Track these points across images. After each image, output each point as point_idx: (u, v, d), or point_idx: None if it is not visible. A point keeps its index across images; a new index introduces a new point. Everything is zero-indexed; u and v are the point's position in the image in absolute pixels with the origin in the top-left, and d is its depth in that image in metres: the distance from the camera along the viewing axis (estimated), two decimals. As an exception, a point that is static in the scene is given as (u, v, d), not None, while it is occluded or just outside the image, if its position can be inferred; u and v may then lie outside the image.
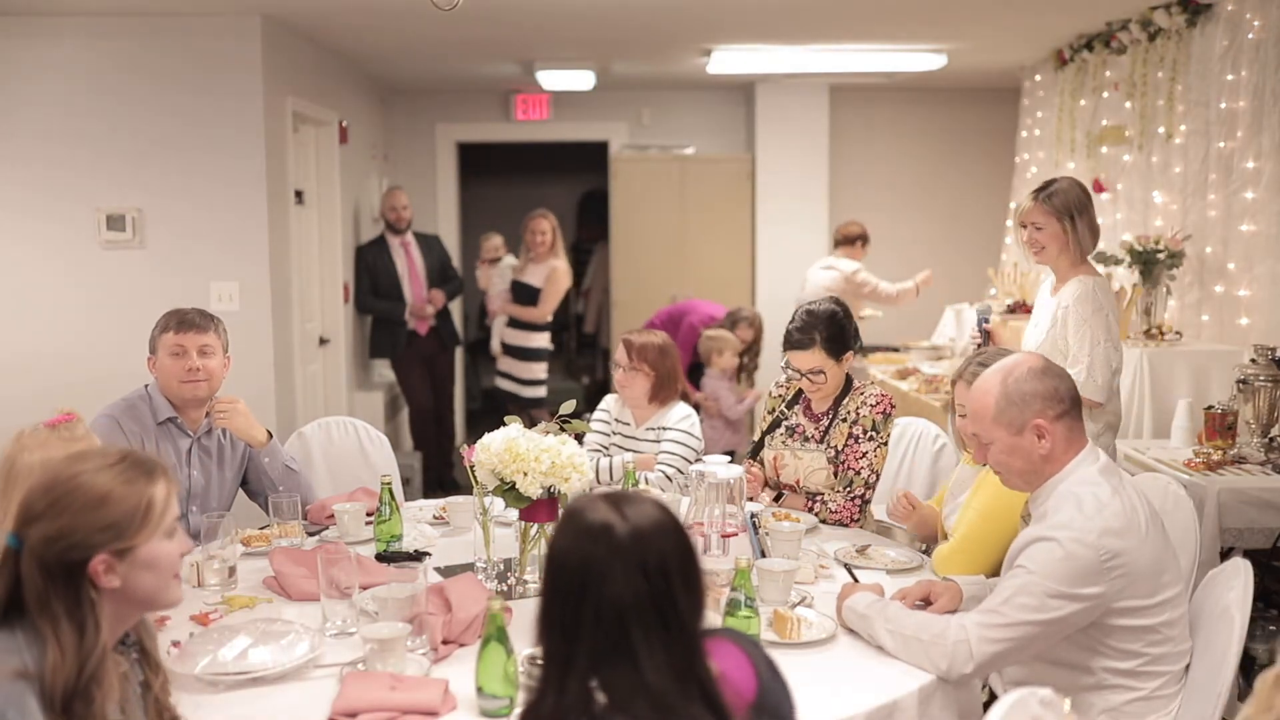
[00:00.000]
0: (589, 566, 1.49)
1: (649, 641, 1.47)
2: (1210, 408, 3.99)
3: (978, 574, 2.68)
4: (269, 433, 3.33)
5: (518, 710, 2.00)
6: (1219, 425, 3.93)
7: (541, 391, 7.08)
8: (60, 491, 1.65)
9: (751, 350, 6.36)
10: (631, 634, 1.47)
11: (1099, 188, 5.72)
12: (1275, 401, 3.91)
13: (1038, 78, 6.78)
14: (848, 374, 3.38)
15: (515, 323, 7.03)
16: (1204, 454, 3.88)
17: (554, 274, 6.86)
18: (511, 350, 7.04)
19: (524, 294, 6.94)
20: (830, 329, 3.26)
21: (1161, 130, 5.12)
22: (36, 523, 1.64)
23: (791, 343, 3.30)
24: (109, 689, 1.63)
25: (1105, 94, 5.71)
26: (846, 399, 3.34)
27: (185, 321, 3.20)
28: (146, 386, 3.24)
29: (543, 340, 7.04)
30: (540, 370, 7.06)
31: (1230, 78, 4.62)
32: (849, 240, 6.83)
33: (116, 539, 1.66)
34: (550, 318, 6.98)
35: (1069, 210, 3.59)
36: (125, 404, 3.20)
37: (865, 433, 3.28)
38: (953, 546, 2.80)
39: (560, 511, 2.71)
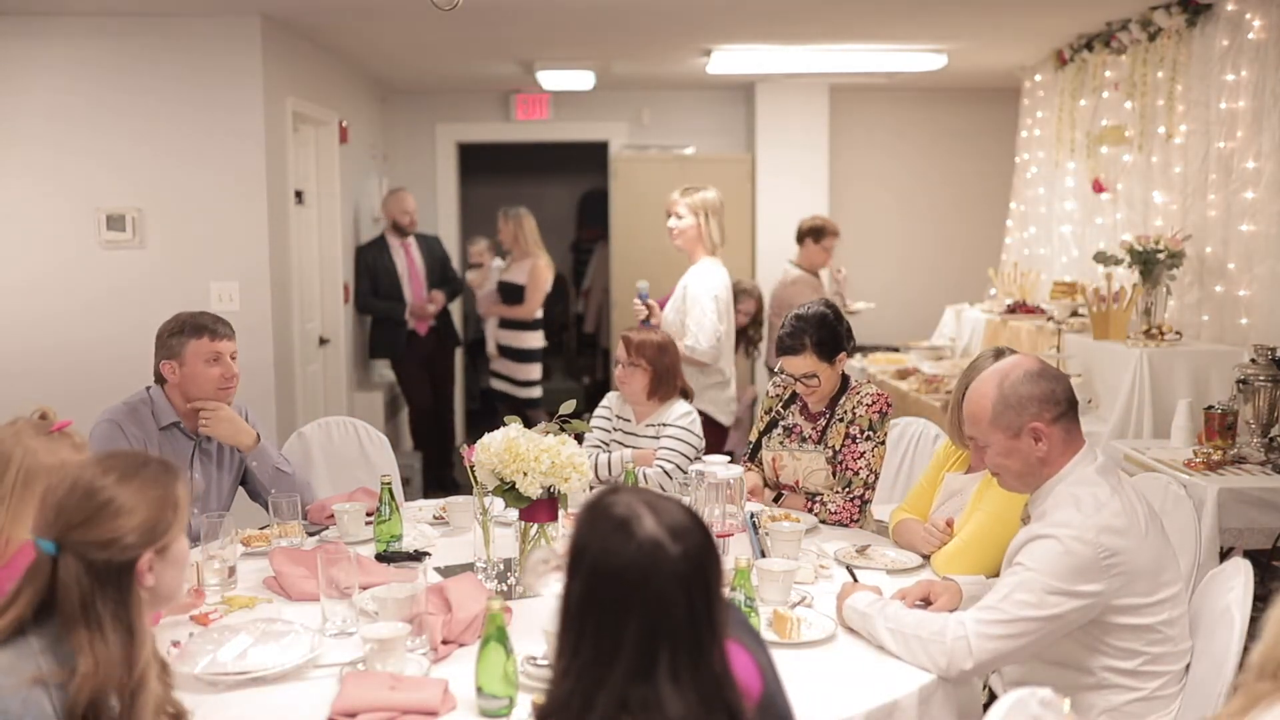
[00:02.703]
0: (647, 582, 1.43)
1: (677, 662, 1.43)
2: (1210, 408, 3.99)
3: (979, 574, 2.68)
4: (257, 435, 3.28)
5: (519, 708, 2.01)
6: (1219, 425, 3.93)
7: (537, 392, 7.09)
8: (102, 498, 1.68)
9: (755, 322, 6.39)
10: (664, 653, 1.42)
11: (1099, 188, 5.71)
12: (1275, 401, 3.91)
13: (1038, 78, 6.77)
14: (845, 374, 3.37)
15: (506, 323, 7.04)
16: (1204, 454, 3.88)
17: (535, 269, 6.89)
18: (505, 351, 7.05)
19: (510, 293, 6.96)
20: (820, 333, 3.25)
21: (1161, 130, 5.12)
22: (78, 529, 1.66)
23: (782, 348, 3.29)
24: (151, 692, 1.67)
25: (1105, 94, 5.71)
26: (843, 399, 3.34)
27: (218, 328, 3.19)
28: (148, 389, 3.21)
29: (535, 340, 7.05)
30: (535, 371, 7.07)
31: (1230, 78, 4.62)
32: (797, 238, 6.42)
33: (158, 537, 1.72)
34: (538, 314, 6.98)
35: (705, 209, 4.52)
36: (127, 408, 3.17)
37: (862, 433, 3.27)
38: (957, 547, 2.80)
39: (563, 511, 2.72)
